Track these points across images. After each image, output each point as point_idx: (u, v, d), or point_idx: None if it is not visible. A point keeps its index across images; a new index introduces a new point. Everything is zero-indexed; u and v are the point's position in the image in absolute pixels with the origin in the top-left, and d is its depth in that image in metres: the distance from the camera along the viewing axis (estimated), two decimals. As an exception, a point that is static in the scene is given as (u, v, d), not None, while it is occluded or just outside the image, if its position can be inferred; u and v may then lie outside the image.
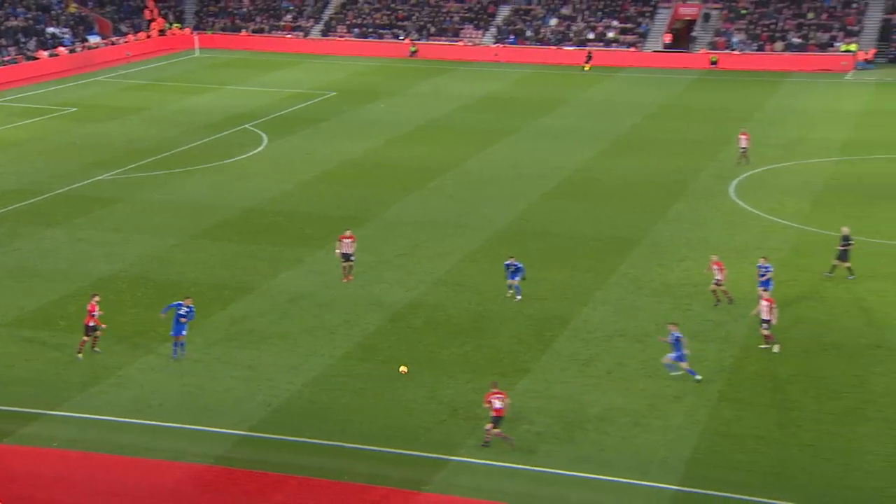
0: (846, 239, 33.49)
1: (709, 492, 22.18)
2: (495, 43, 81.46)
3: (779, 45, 76.31)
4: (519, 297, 32.16)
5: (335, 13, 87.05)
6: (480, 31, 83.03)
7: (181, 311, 28.01)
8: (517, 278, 32.22)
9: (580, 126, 56.99)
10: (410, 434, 24.46)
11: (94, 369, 27.60)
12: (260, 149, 51.70)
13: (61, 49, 75.11)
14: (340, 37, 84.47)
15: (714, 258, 31.99)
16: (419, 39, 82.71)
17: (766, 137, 53.16)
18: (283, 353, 28.71)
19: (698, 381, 26.52)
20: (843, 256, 33.40)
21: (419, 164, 48.64)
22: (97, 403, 25.87)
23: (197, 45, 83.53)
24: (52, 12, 79.33)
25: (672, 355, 26.69)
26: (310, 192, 44.09)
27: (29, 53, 72.97)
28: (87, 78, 71.07)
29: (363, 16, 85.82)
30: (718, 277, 31.32)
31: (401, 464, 23.34)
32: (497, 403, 23.69)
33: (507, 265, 32.38)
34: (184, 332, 28.20)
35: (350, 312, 31.38)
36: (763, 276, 30.82)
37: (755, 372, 27.42)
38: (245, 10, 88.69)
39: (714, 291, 31.47)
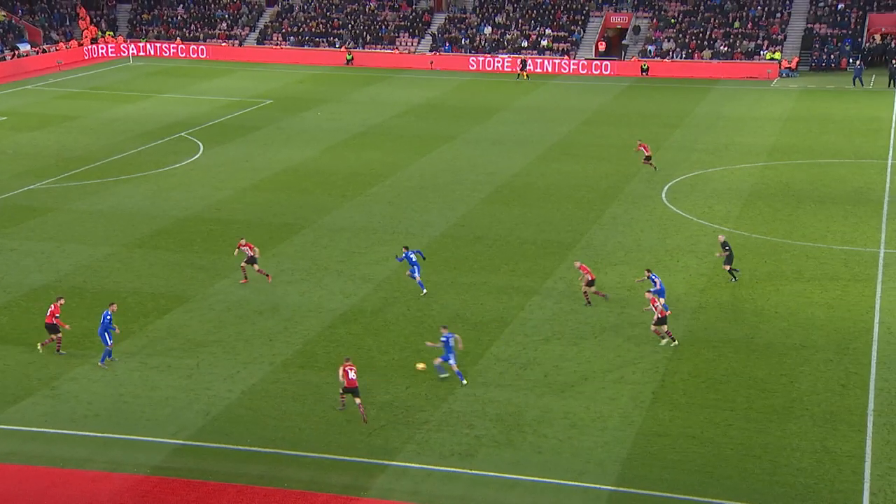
0: (724, 245, 33.91)
1: (644, 491, 22.47)
2: (431, 51, 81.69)
3: (707, 53, 77.71)
4: (424, 291, 32.86)
5: (270, 21, 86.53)
6: (416, 39, 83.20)
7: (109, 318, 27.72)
8: (417, 275, 32.84)
9: (517, 132, 57.38)
10: (350, 440, 24.40)
11: (28, 381, 27.05)
12: (196, 157, 51.16)
13: (-9, 57, 73.64)
14: (276, 45, 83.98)
15: (578, 263, 32.59)
16: (355, 47, 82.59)
17: (696, 143, 54.09)
18: (221, 361, 28.44)
19: (464, 385, 26.76)
20: (728, 261, 33.83)
21: (357, 171, 48.56)
22: (31, 415, 25.36)
23: (130, 53, 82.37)
24: (-19, 20, 77.75)
25: (443, 357, 26.89)
26: (247, 199, 43.74)
27: (-43, 61, 71.43)
28: (18, 86, 69.69)
29: (299, 24, 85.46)
30: (589, 278, 31.91)
31: (340, 470, 23.26)
32: (351, 374, 24.93)
33: (408, 257, 32.90)
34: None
35: (289, 319, 31.19)
36: (656, 284, 30.85)
37: (688, 373, 27.86)
38: (179, 17, 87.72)
39: (586, 293, 32.08)
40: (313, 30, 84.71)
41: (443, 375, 27.16)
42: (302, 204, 43.32)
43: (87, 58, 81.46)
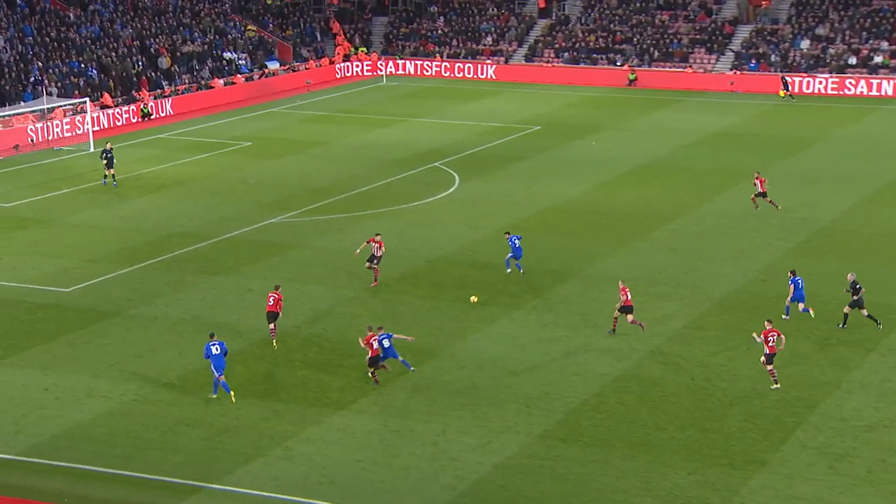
0: (854, 285, 34.64)
1: None
2: (732, 69, 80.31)
3: None
4: (509, 271, 39.78)
5: (542, 35, 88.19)
6: (714, 56, 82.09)
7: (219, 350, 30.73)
8: (513, 258, 39.55)
9: (837, 168, 55.20)
10: (618, 533, 24.08)
11: (260, 439, 28.65)
12: (451, 190, 52.72)
13: (238, 77, 79.38)
14: (547, 62, 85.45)
15: (621, 284, 34.42)
16: (640, 65, 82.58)
17: None
18: (470, 428, 28.95)
19: (412, 370, 31.34)
20: (856, 304, 34.49)
21: (637, 211, 48.32)
22: (262, 478, 26.76)
23: (385, 71, 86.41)
24: (230, 36, 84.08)
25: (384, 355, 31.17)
26: (506, 241, 44.44)
27: (203, 82, 77.50)
28: (265, 108, 74.68)
29: (575, 38, 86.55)
30: (623, 303, 34.03)
31: (606, 568, 22.99)
32: (375, 344, 30.63)
33: (511, 242, 39.63)
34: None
35: (550, 383, 31.34)
36: (799, 290, 34.81)
37: None
38: (439, 31, 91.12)
39: (616, 319, 34.40)
40: (591, 45, 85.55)
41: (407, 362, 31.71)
42: (570, 248, 43.55)
43: (337, 77, 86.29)
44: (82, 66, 72.51)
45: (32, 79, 68.83)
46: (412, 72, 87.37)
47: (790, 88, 74.71)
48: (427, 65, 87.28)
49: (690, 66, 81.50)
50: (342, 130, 67.09)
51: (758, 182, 47.47)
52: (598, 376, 31.81)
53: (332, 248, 44.11)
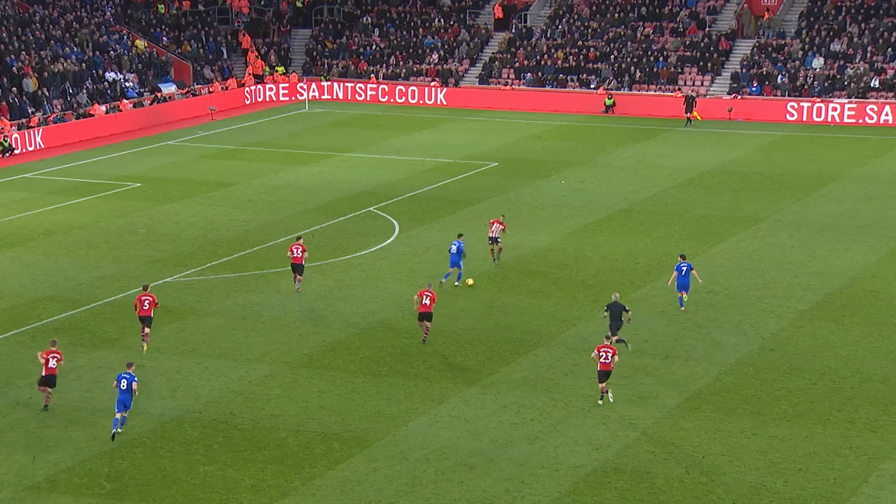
0: (609, 306, 39.28)
1: None
2: (730, 94, 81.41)
3: None
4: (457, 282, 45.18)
5: (499, 52, 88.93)
6: (708, 77, 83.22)
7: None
8: (460, 262, 45.02)
9: (858, 214, 55.95)
10: None
11: (150, 549, 28.27)
12: (389, 241, 52.75)
13: (124, 103, 79.13)
14: (506, 84, 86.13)
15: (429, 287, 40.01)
16: (618, 89, 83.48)
17: None
18: (414, 535, 28.80)
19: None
20: (613, 330, 38.85)
21: (617, 266, 48.62)
22: None
23: (307, 96, 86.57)
24: (113, 52, 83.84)
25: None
26: (456, 302, 44.55)
27: (80, 109, 77.08)
28: (158, 141, 74.42)
29: (539, 55, 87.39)
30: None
31: None
32: (52, 363, 34.48)
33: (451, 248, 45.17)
34: None
35: (512, 479, 31.27)
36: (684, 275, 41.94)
37: None
38: (374, 47, 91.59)
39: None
40: (559, 63, 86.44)
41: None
42: (535, 310, 43.64)
43: (248, 102, 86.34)
44: (-71, 88, 72.05)
45: None
46: (341, 96, 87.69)
47: (693, 111, 76.59)
48: (359, 88, 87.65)
49: (679, 90, 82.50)
50: (253, 168, 66.99)
51: (497, 226, 48.32)
52: (572, 469, 31.77)
53: (244, 313, 43.87)
